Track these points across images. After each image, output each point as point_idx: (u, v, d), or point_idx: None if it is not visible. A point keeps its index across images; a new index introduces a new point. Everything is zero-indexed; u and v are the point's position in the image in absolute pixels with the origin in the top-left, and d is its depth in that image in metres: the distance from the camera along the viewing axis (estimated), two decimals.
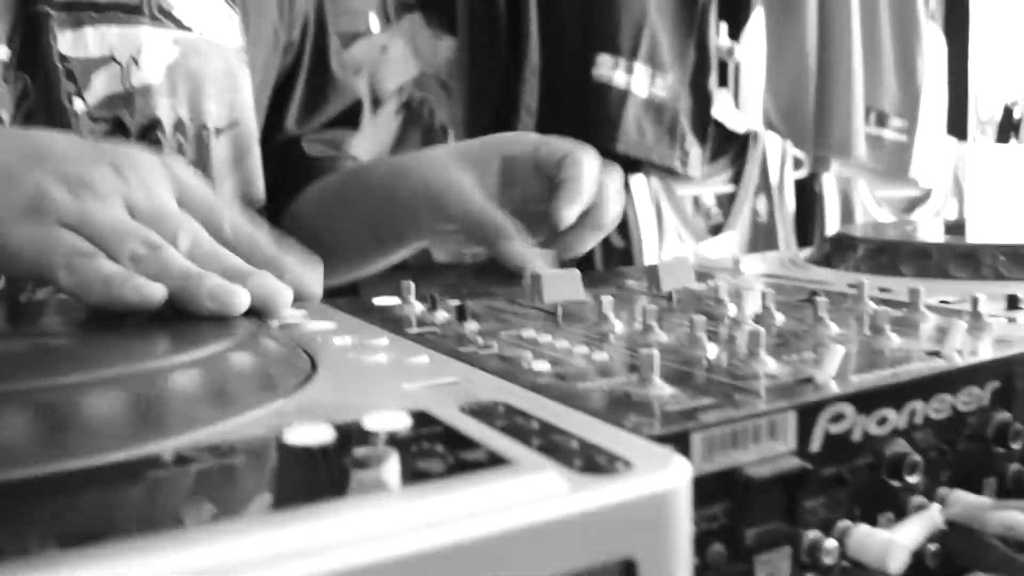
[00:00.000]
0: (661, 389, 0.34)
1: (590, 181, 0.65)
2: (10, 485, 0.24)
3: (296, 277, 0.50)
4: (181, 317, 0.43)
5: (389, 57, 2.16)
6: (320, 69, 0.89)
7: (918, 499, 0.37)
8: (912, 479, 0.37)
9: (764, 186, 2.56)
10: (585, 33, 2.11)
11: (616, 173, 0.68)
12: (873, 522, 0.36)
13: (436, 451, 0.26)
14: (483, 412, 0.31)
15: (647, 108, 2.19)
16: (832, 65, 2.41)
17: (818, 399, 0.34)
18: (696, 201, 2.46)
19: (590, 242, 0.66)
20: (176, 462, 0.26)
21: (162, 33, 0.69)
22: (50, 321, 0.48)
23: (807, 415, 0.34)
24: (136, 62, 0.67)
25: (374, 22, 2.03)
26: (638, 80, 2.16)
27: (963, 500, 0.38)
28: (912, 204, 2.73)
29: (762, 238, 2.47)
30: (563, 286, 0.52)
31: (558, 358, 0.41)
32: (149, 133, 0.69)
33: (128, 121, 0.68)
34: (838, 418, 0.35)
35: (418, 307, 0.55)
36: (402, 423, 0.29)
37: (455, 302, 0.53)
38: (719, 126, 2.39)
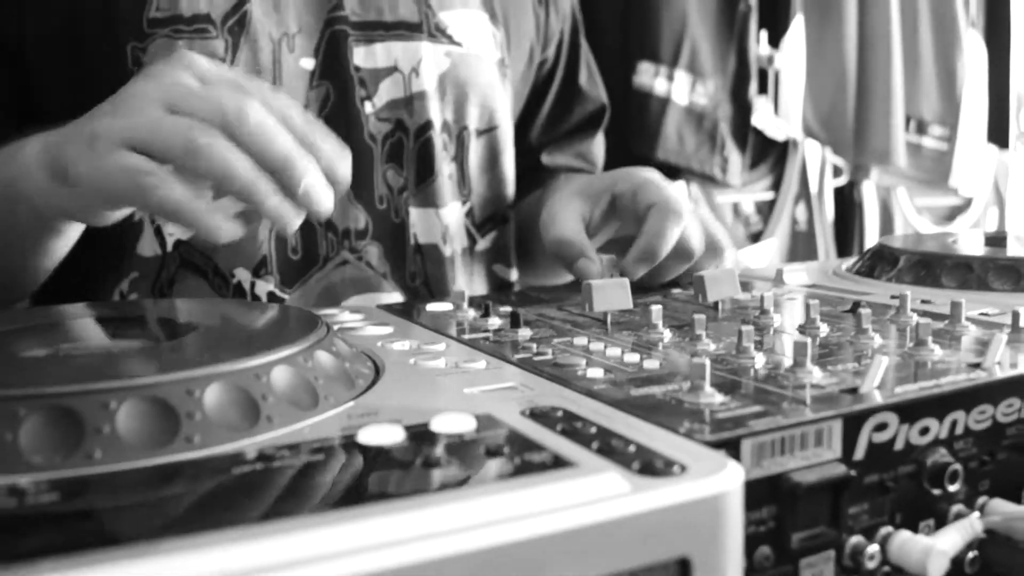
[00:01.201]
0: (712, 397, 0.36)
1: (667, 238, 0.66)
2: (123, 474, 0.26)
3: (328, 163, 0.50)
4: (252, 320, 0.45)
5: None
6: (569, 84, 0.96)
7: (958, 507, 0.39)
8: (952, 488, 0.38)
9: (804, 194, 2.55)
10: (626, 41, 2.13)
11: (691, 202, 0.71)
12: (914, 529, 0.37)
13: (503, 453, 0.28)
14: (543, 416, 0.33)
15: (687, 115, 2.20)
16: (872, 73, 2.41)
17: (862, 408, 0.36)
18: (736, 208, 2.46)
19: (675, 271, 0.69)
20: (258, 459, 0.28)
21: (437, 48, 0.79)
22: (146, 324, 0.50)
23: (852, 424, 0.35)
24: (416, 72, 0.78)
25: None
26: (679, 88, 2.16)
27: (1002, 509, 0.39)
28: (953, 213, 2.71)
29: (801, 246, 2.46)
30: (612, 295, 0.54)
31: (611, 365, 0.43)
32: (424, 133, 0.78)
33: (407, 122, 0.77)
34: (882, 427, 0.36)
35: (471, 313, 0.57)
36: (468, 426, 0.31)
37: (507, 308, 0.55)
38: (759, 133, 2.39)
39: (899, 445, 0.37)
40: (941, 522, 0.38)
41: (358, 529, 0.23)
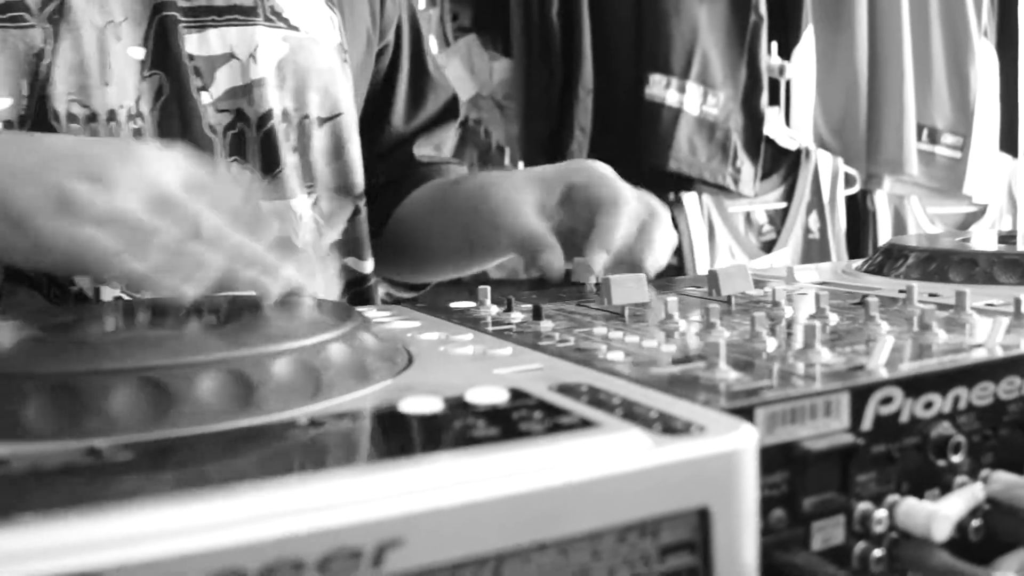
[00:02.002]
0: (727, 373, 0.38)
1: (619, 234, 0.68)
2: (207, 436, 0.29)
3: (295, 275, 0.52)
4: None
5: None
6: (419, 70, 0.96)
7: (962, 478, 0.41)
8: (956, 459, 0.40)
9: (816, 203, 2.57)
10: (637, 53, 2.15)
11: (665, 219, 0.72)
12: (920, 497, 0.39)
13: (534, 418, 0.31)
14: (569, 390, 0.35)
15: (699, 126, 2.22)
16: (883, 82, 2.42)
17: (869, 382, 0.38)
18: (748, 218, 2.48)
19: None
20: (311, 424, 0.31)
21: (274, 32, 0.76)
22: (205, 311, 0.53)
23: (859, 396, 0.37)
24: (254, 58, 0.75)
25: (433, 44, 2.08)
26: (690, 98, 2.19)
27: (1004, 479, 0.41)
28: (967, 221, 2.72)
29: (814, 255, 2.48)
30: (630, 289, 0.56)
31: (630, 350, 0.45)
32: (266, 122, 0.75)
33: (247, 111, 0.75)
34: (887, 401, 0.38)
35: (494, 309, 0.60)
36: (501, 397, 0.33)
37: (528, 305, 0.58)
38: (771, 143, 2.41)
39: (904, 418, 0.39)
40: (946, 492, 0.40)
41: (408, 474, 0.25)
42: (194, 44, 0.72)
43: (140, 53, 0.70)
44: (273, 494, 0.24)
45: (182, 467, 0.29)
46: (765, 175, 2.41)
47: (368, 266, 0.86)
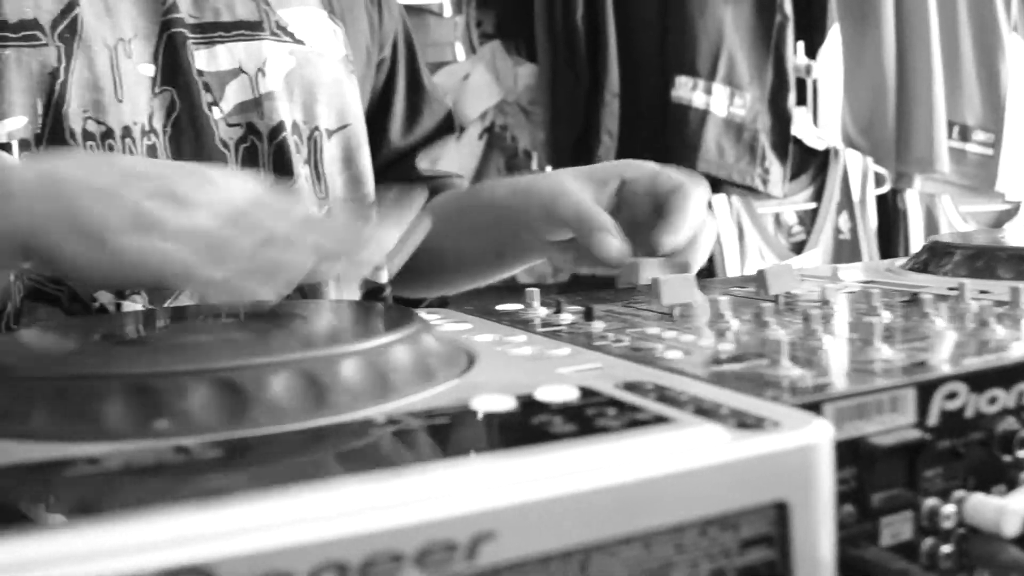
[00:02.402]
0: (790, 370, 0.38)
1: (695, 217, 0.69)
2: (290, 434, 0.30)
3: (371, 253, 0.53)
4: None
5: (470, 85, 2.22)
6: (415, 84, 0.96)
7: None
8: (1022, 453, 0.40)
9: (846, 203, 2.55)
10: (663, 55, 2.15)
11: (711, 216, 0.73)
12: (986, 493, 0.39)
13: (609, 414, 0.31)
14: (637, 387, 0.35)
15: (727, 127, 2.21)
16: (912, 79, 2.41)
17: (933, 378, 0.38)
18: (777, 219, 2.48)
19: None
20: (389, 422, 0.31)
21: (280, 47, 0.77)
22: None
23: (924, 392, 0.37)
24: (263, 72, 0.76)
25: (459, 51, 2.09)
26: (717, 100, 2.18)
27: None
28: (1000, 219, 2.70)
29: (845, 255, 2.46)
30: (680, 289, 0.56)
31: (687, 348, 0.45)
32: (277, 134, 0.76)
33: (259, 124, 0.75)
34: (952, 396, 0.38)
35: (542, 311, 0.60)
36: (572, 395, 0.34)
37: (577, 307, 0.58)
38: (799, 143, 2.40)
39: (969, 413, 0.39)
40: (1012, 487, 0.40)
41: (499, 468, 0.26)
42: (203, 60, 0.73)
43: (150, 70, 0.71)
44: (372, 487, 0.24)
45: (272, 463, 0.29)
46: (794, 175, 2.40)
47: (384, 276, 0.87)
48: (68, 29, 0.67)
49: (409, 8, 1.50)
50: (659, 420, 0.30)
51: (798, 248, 2.49)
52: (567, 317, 0.57)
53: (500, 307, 0.64)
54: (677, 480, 0.27)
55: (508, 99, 2.23)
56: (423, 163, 0.95)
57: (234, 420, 0.31)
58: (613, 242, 0.67)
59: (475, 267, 0.90)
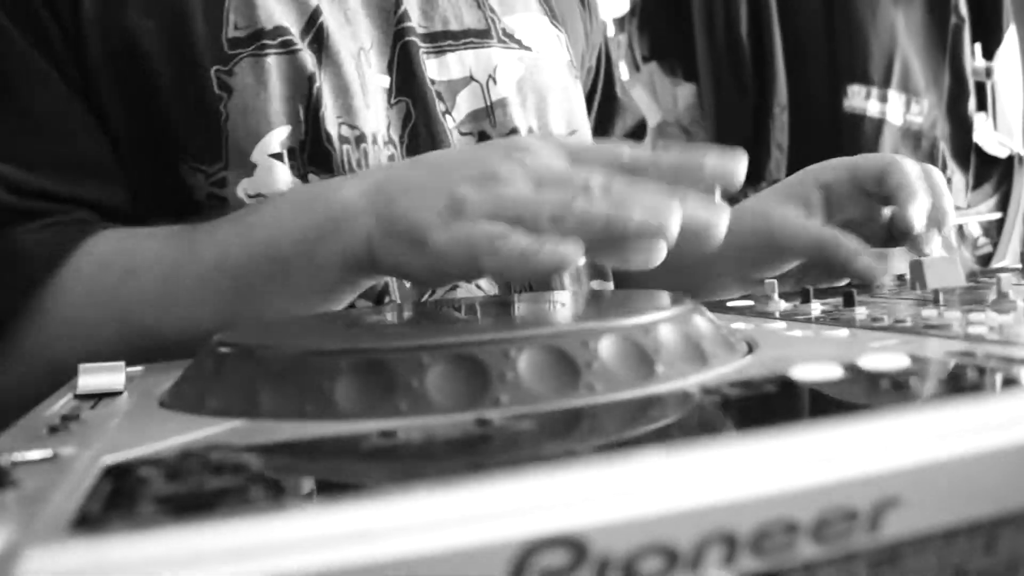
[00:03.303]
0: None
1: (920, 181, 0.66)
2: (608, 405, 0.27)
3: (717, 168, 0.48)
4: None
5: None
6: (610, 95, 0.95)
7: None
8: None
9: None
10: (833, 65, 2.08)
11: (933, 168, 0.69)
12: None
13: (967, 375, 0.27)
14: (968, 355, 0.31)
15: (904, 136, 2.11)
16: None
17: None
18: (961, 231, 2.35)
19: (935, 240, 0.66)
20: (705, 392, 0.28)
21: (509, 53, 0.77)
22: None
23: None
24: (494, 79, 0.75)
25: (624, 71, 2.07)
26: (893, 108, 2.09)
27: None
28: None
29: None
30: (945, 271, 0.52)
31: (986, 323, 0.40)
32: None
33: (490, 132, 0.74)
34: None
35: (782, 304, 0.56)
36: (903, 362, 0.30)
37: (827, 297, 0.54)
38: (980, 151, 2.28)
39: None
40: None
41: (900, 425, 0.22)
42: (434, 69, 0.73)
43: (386, 81, 0.71)
44: (761, 447, 0.21)
45: (594, 434, 0.26)
46: (976, 184, 2.27)
47: (610, 287, 0.84)
48: (315, 38, 0.68)
49: None
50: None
51: (985, 261, 2.35)
52: (816, 306, 0.53)
53: (730, 303, 0.60)
54: None
55: (668, 119, 2.20)
56: None
57: (472, 400, 0.29)
58: (870, 261, 0.64)
59: (722, 286, 0.85)
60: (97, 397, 0.38)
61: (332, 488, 0.24)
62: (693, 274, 0.77)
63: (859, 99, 2.07)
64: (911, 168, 0.67)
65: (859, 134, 2.06)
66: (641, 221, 0.42)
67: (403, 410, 0.29)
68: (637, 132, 0.97)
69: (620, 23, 2.06)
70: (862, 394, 0.27)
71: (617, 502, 0.19)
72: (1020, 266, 0.59)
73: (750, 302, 0.60)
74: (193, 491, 0.21)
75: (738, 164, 0.47)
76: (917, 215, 0.63)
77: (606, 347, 0.30)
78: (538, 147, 0.52)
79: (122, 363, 0.40)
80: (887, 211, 0.69)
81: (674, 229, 0.42)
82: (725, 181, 0.47)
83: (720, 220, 0.44)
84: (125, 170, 0.66)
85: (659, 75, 2.21)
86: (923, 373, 0.27)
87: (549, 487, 0.19)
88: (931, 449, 0.21)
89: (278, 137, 0.65)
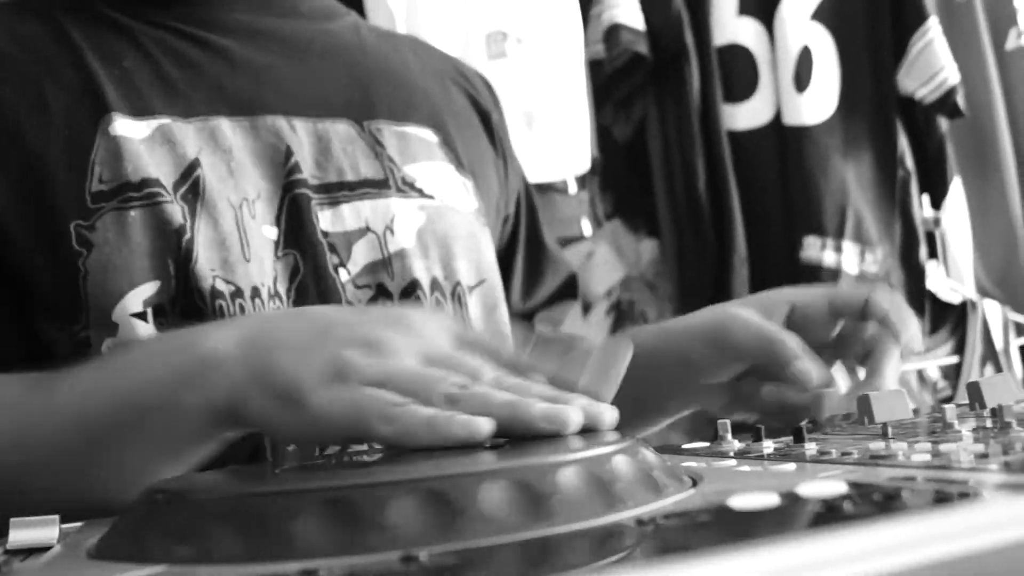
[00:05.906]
0: None
1: (908, 311, 0.68)
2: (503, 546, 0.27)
3: (587, 408, 0.48)
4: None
5: (595, 262, 2.24)
6: (535, 243, 0.93)
7: None
8: None
9: (990, 353, 2.45)
10: (789, 218, 2.14)
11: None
12: None
13: (905, 495, 0.27)
14: (907, 480, 0.32)
15: (860, 285, 2.16)
16: None
17: None
18: (921, 375, 2.38)
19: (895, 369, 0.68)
20: (639, 523, 0.28)
21: (409, 202, 0.75)
22: None
23: None
24: (391, 230, 0.73)
25: (586, 227, 2.12)
26: (848, 258, 2.15)
27: None
28: None
29: None
30: (892, 405, 0.52)
31: (929, 452, 0.41)
32: (409, 294, 0.73)
33: (389, 285, 0.72)
34: None
35: (736, 443, 0.56)
36: (840, 489, 0.30)
37: (779, 437, 0.54)
38: (934, 297, 2.33)
39: None
40: None
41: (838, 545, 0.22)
42: (327, 220, 0.71)
43: (273, 233, 0.69)
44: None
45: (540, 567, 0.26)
46: (933, 330, 2.32)
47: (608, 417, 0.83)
48: (190, 190, 0.66)
49: (537, 187, 1.52)
50: (965, 496, 0.26)
51: (944, 404, 2.37)
52: (769, 445, 0.53)
53: (685, 445, 0.60)
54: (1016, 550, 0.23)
55: (632, 274, 2.24)
56: (542, 326, 0.91)
57: (444, 532, 0.29)
58: (808, 366, 0.63)
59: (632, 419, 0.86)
60: (28, 552, 0.37)
61: None
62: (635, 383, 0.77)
63: (815, 250, 2.13)
64: (899, 300, 0.70)
65: (817, 283, 2.11)
66: (543, 417, 0.43)
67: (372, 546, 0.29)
68: (567, 289, 0.95)
69: (581, 181, 2.12)
70: (802, 518, 0.27)
71: None
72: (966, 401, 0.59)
73: (705, 443, 0.60)
74: None
75: (605, 416, 0.46)
76: (914, 337, 0.64)
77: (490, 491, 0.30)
78: (422, 324, 0.52)
79: (56, 517, 0.40)
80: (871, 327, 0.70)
81: (573, 429, 0.43)
82: (593, 424, 0.46)
83: (608, 418, 0.45)
84: None
85: (622, 231, 2.26)
86: (856, 497, 0.28)
87: None
88: (860, 567, 0.21)
89: (141, 295, 0.63)
